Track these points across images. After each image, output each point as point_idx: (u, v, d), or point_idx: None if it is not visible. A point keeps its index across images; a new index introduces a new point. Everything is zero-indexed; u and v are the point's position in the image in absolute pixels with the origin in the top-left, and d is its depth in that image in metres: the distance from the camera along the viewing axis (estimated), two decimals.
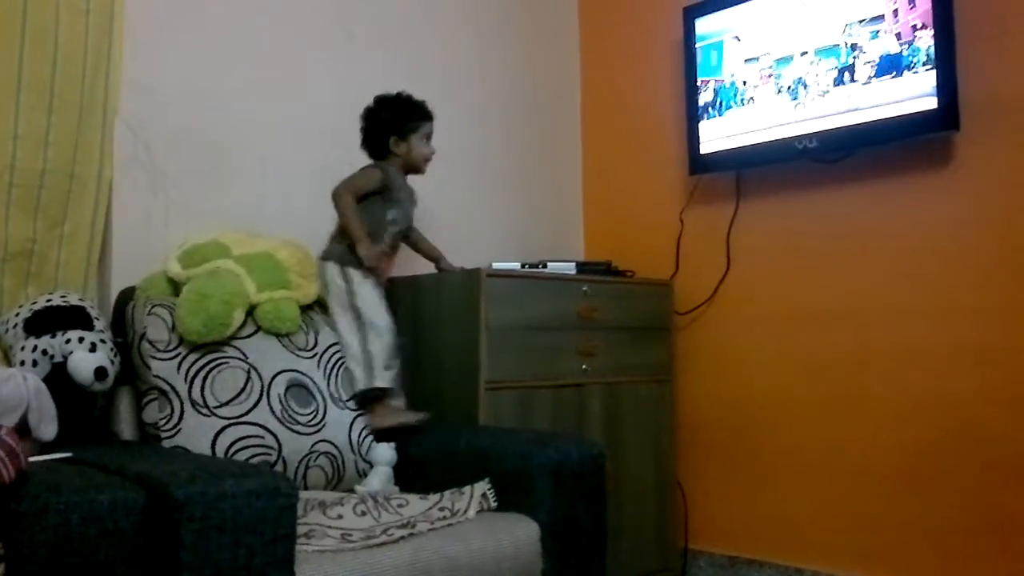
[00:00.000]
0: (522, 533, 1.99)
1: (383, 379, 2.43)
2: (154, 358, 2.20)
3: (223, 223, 2.55)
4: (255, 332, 2.37)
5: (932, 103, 2.53)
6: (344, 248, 2.51)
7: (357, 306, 2.47)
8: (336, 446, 2.32)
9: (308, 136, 2.83)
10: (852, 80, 2.70)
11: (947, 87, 2.51)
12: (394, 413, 2.42)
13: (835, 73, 2.73)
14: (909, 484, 2.64)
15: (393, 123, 2.60)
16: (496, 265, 2.76)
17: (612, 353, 2.91)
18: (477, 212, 3.27)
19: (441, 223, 3.05)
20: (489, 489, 2.11)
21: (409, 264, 2.85)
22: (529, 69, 3.49)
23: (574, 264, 2.97)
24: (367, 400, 2.42)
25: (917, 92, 2.56)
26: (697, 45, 3.09)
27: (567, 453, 2.10)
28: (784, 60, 2.86)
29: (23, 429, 1.86)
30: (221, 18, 2.70)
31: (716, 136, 3.03)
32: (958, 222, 2.59)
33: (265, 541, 1.58)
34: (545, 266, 2.90)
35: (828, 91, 2.75)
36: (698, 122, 3.07)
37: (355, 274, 2.48)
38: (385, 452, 2.35)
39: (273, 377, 2.30)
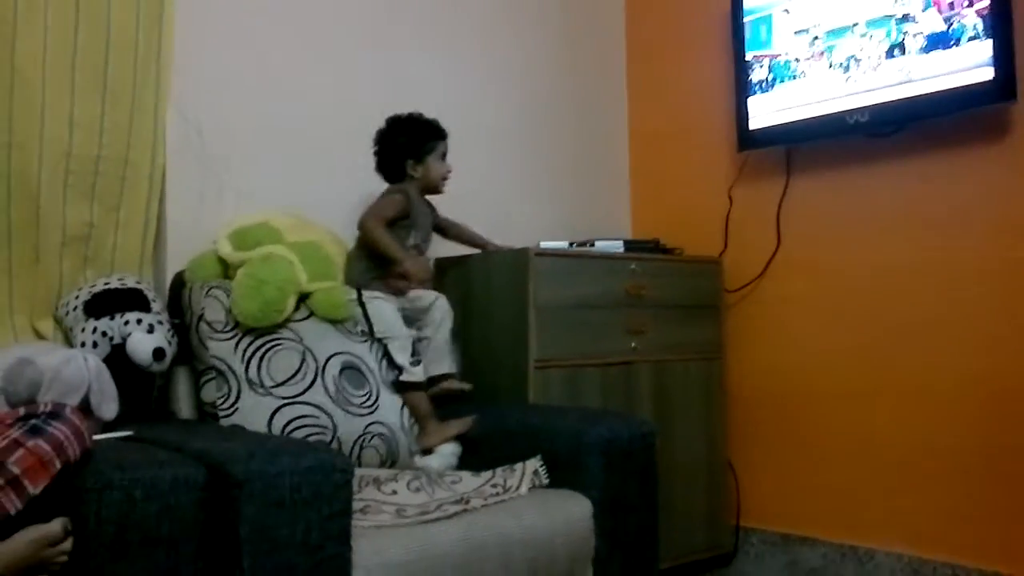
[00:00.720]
0: (575, 510, 2.00)
1: (412, 375, 2.43)
2: (212, 339, 2.24)
3: (274, 205, 2.57)
4: (309, 316, 2.40)
5: (988, 74, 2.47)
6: (363, 268, 2.51)
7: (371, 322, 2.45)
8: (390, 428, 2.34)
9: (356, 116, 2.84)
10: (904, 52, 2.64)
11: (1004, 57, 2.45)
12: (441, 429, 2.41)
13: (887, 45, 2.68)
14: (964, 463, 2.59)
15: (409, 146, 2.57)
16: (544, 244, 2.76)
17: (661, 331, 2.90)
18: (524, 192, 3.26)
19: (488, 203, 3.05)
20: (541, 466, 2.11)
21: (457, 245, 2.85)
22: (574, 46, 3.46)
23: (622, 242, 2.95)
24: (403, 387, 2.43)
25: (972, 63, 2.50)
26: (745, 19, 3.04)
27: (617, 431, 2.11)
28: (835, 32, 2.81)
29: (85, 409, 1.90)
30: (271, 1, 2.72)
31: (765, 111, 2.99)
32: (1015, 195, 2.54)
33: (322, 517, 1.61)
34: (593, 245, 2.89)
35: (880, 64, 2.70)
36: (747, 97, 3.03)
37: (368, 295, 2.47)
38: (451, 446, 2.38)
39: (328, 359, 2.33)
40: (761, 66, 3.00)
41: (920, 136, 2.71)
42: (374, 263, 2.50)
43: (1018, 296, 2.52)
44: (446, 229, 2.76)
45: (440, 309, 2.57)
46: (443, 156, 2.61)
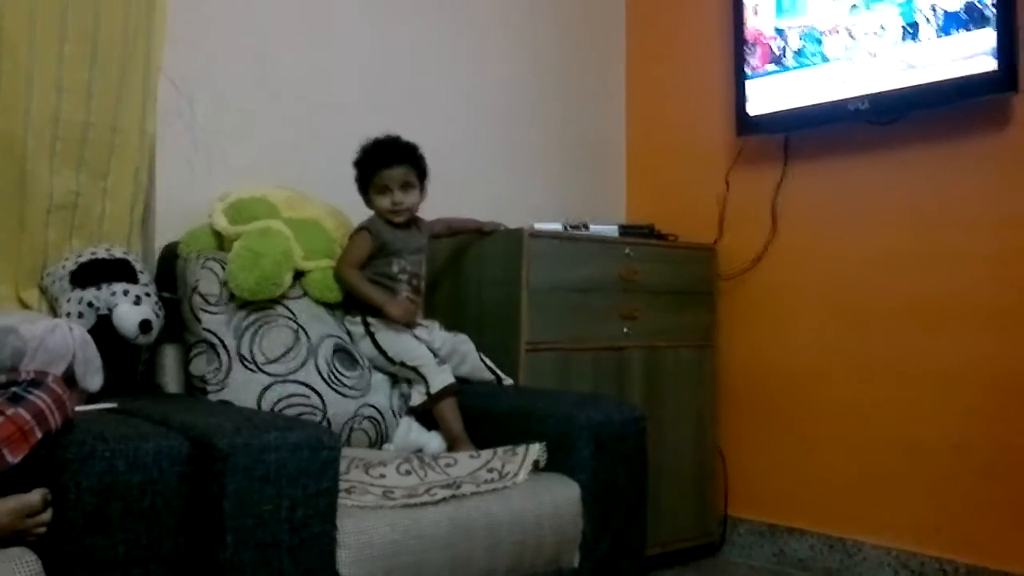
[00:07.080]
0: (563, 493, 1.97)
1: (442, 380, 2.34)
2: (204, 311, 2.21)
3: (265, 179, 2.54)
4: (303, 295, 2.37)
5: (991, 64, 2.45)
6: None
7: (384, 350, 2.39)
8: (380, 411, 2.32)
9: (349, 92, 2.81)
10: (907, 39, 2.61)
11: (1007, 47, 2.43)
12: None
13: (889, 31, 2.65)
14: (956, 457, 2.58)
15: (360, 180, 2.46)
16: (538, 226, 2.73)
17: (654, 317, 2.88)
18: (519, 174, 3.23)
19: (483, 185, 3.02)
20: (543, 454, 2.04)
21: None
22: (572, 27, 3.43)
23: (616, 227, 2.93)
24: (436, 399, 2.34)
25: (975, 52, 2.48)
26: (746, 2, 3.01)
27: (608, 415, 2.09)
28: (835, 16, 2.78)
29: (69, 380, 1.87)
30: None
31: (764, 96, 2.96)
32: (1015, 186, 2.51)
33: (308, 494, 1.59)
34: (587, 228, 2.87)
35: (882, 50, 2.67)
36: (746, 81, 3.01)
37: (374, 320, 2.40)
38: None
39: (321, 339, 2.30)
40: (760, 50, 2.96)
41: (920, 125, 2.69)
42: (361, 304, 2.42)
43: (1015, 288, 2.50)
44: (440, 233, 2.67)
45: (462, 347, 2.52)
46: (389, 189, 2.42)
